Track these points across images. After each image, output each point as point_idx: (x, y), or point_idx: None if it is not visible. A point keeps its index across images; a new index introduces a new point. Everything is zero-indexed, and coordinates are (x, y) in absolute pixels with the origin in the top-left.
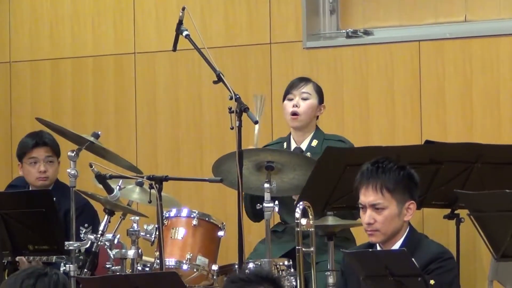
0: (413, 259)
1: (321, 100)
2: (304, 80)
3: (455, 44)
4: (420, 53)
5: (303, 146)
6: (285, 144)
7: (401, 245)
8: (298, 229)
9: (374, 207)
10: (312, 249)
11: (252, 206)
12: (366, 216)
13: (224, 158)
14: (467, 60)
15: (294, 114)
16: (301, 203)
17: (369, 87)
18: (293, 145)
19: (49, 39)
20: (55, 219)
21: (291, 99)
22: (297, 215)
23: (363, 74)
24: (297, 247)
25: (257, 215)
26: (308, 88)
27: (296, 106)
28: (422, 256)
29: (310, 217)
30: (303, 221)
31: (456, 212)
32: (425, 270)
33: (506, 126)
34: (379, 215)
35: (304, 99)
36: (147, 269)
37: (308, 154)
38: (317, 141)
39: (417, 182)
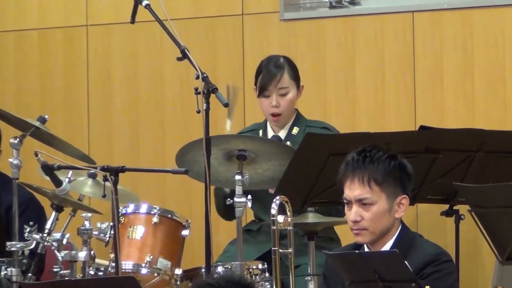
0: (406, 261)
1: (298, 82)
2: (278, 69)
3: (454, 15)
4: (414, 26)
5: (282, 134)
6: (260, 131)
7: (392, 246)
8: (275, 227)
9: (361, 202)
10: (290, 250)
11: (225, 204)
12: (352, 213)
13: (189, 146)
14: (468, 34)
15: (275, 115)
16: (277, 197)
17: (355, 65)
18: (270, 133)
19: None
20: None
21: (267, 96)
22: (273, 211)
23: (348, 50)
24: (273, 248)
25: (229, 214)
26: (284, 81)
27: (276, 106)
28: (416, 259)
29: (288, 213)
30: (280, 218)
31: (455, 208)
32: (420, 275)
33: None
34: (366, 212)
35: (283, 95)
36: (101, 273)
37: (288, 143)
38: (298, 129)
39: (410, 173)
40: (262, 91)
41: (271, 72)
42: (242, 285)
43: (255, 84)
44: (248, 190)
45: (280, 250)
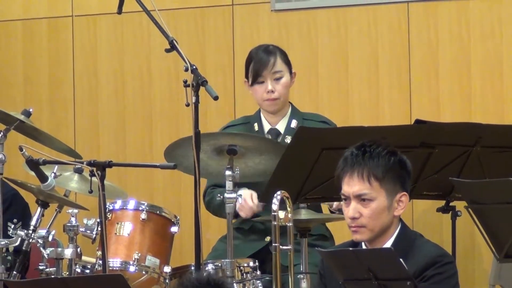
0: (404, 262)
1: (290, 67)
2: (271, 53)
3: (450, 5)
4: (409, 16)
5: (280, 127)
6: (256, 125)
7: (391, 245)
8: (275, 223)
9: (360, 198)
10: (289, 247)
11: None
12: (350, 209)
13: (178, 143)
14: (464, 24)
15: (272, 99)
16: (278, 192)
17: (348, 56)
18: (267, 126)
19: None
20: None
21: (261, 82)
22: (274, 206)
23: (341, 41)
24: (273, 244)
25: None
26: (278, 65)
27: (272, 91)
28: (417, 260)
29: (289, 209)
30: (281, 214)
31: (451, 204)
32: (421, 277)
33: (510, 102)
34: (365, 208)
35: (277, 79)
36: (88, 271)
37: (288, 138)
38: (296, 122)
39: (409, 170)
40: (256, 78)
41: (264, 57)
42: (212, 285)
43: (246, 75)
44: (240, 182)
45: (281, 247)
